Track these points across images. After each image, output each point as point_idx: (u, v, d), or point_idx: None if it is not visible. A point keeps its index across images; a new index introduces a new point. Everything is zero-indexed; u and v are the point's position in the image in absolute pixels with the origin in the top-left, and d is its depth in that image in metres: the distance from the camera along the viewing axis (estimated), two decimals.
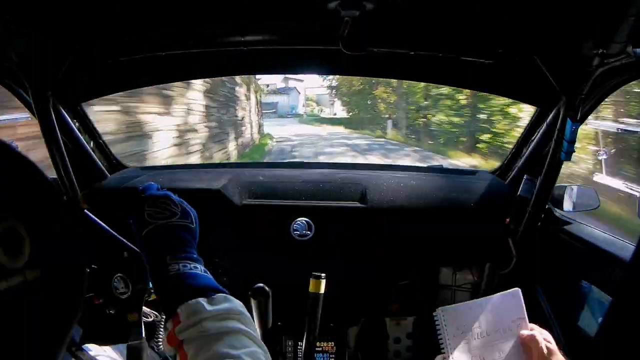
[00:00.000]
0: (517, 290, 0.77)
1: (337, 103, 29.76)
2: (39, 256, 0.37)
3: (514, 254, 1.43)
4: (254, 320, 1.27)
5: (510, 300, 0.77)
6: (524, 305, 0.76)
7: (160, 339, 1.19)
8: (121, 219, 0.84)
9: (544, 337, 0.77)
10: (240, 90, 11.75)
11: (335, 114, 30.64)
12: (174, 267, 0.64)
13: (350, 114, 24.51)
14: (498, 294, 0.77)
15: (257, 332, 0.61)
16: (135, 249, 1.03)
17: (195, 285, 0.62)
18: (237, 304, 0.62)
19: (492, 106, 9.96)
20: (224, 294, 0.62)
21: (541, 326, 0.87)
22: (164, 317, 0.62)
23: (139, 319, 0.92)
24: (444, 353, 0.72)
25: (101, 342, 1.02)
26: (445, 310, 0.73)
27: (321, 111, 33.03)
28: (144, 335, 0.91)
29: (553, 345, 0.76)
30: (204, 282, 0.63)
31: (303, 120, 28.35)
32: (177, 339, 0.58)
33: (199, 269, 0.66)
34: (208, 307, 0.59)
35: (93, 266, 0.93)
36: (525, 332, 0.76)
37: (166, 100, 5.83)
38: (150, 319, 1.15)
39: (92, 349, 1.01)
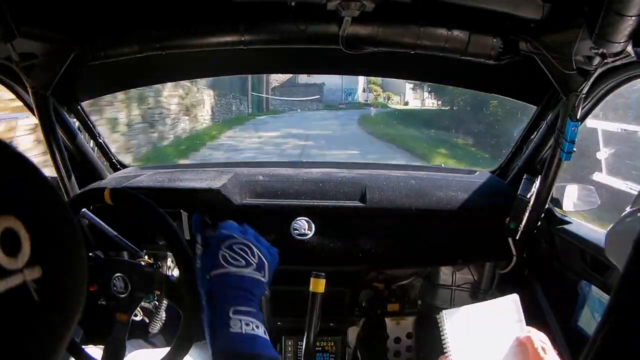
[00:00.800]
0: (515, 295, 0.79)
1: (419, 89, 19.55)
2: (38, 256, 0.37)
3: (514, 254, 1.43)
4: None
5: (509, 304, 0.79)
6: (521, 310, 0.78)
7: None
8: (129, 221, 0.83)
9: (539, 339, 0.78)
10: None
11: (407, 103, 20.81)
12: (236, 323, 0.63)
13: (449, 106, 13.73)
14: (497, 298, 0.79)
15: None
16: (136, 249, 1.03)
17: (254, 351, 0.62)
18: None
19: None
20: None
21: (541, 326, 0.87)
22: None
23: (127, 321, 0.92)
24: (446, 354, 0.74)
25: (86, 331, 1.02)
26: (449, 314, 0.75)
27: (388, 99, 21.09)
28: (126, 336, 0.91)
29: (548, 346, 0.77)
30: (262, 347, 0.63)
31: (369, 119, 14.67)
32: None
33: (260, 330, 0.64)
34: None
35: (98, 254, 0.93)
36: (521, 334, 0.77)
37: None
38: (138, 319, 1.16)
39: (90, 349, 1.02)
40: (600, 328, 0.32)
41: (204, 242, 0.70)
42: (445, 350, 0.74)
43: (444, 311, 0.75)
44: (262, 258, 0.70)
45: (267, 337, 0.65)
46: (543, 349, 0.76)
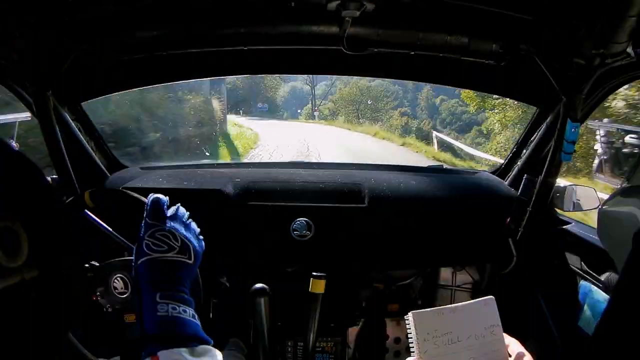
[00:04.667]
0: (491, 298, 0.77)
1: None
2: (37, 256, 0.37)
3: (514, 254, 1.43)
4: (254, 321, 1.27)
5: (484, 307, 0.76)
6: (497, 312, 0.76)
7: None
8: (123, 220, 0.83)
9: (517, 352, 0.75)
10: None
11: None
12: (162, 307, 0.63)
13: None
14: (471, 301, 0.77)
15: None
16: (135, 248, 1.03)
17: (180, 333, 0.62)
18: (218, 358, 0.62)
19: None
20: (207, 346, 0.62)
21: (541, 326, 0.87)
22: (142, 347, 0.62)
23: (136, 321, 0.92)
24: (414, 356, 0.72)
25: (98, 340, 1.01)
26: (417, 315, 0.73)
27: None
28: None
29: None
30: (190, 331, 0.63)
31: None
32: None
33: (188, 313, 0.65)
34: (188, 358, 0.59)
35: (93, 264, 0.93)
36: (495, 341, 0.75)
37: None
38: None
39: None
40: (602, 320, 0.32)
41: (140, 233, 0.72)
42: (412, 353, 0.73)
43: (411, 312, 0.74)
44: (186, 241, 0.72)
45: (196, 320, 0.65)
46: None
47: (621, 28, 0.88)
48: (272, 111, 29.65)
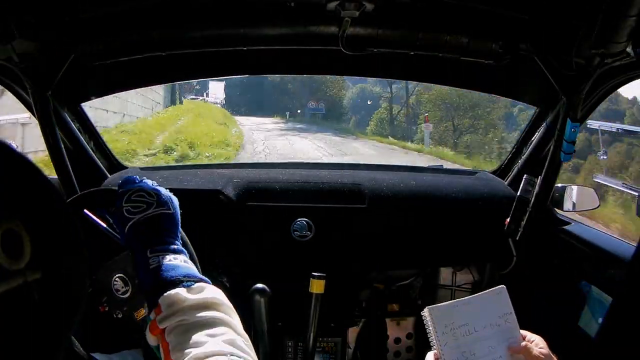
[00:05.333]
0: (503, 287, 0.79)
1: None
2: (39, 257, 0.37)
3: (514, 254, 1.43)
4: (254, 321, 1.27)
5: (496, 297, 0.79)
6: (509, 301, 0.78)
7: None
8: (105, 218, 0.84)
9: (536, 343, 0.78)
10: None
11: None
12: (154, 260, 0.65)
13: None
14: (483, 292, 0.79)
15: (238, 320, 0.62)
16: None
17: (174, 276, 0.63)
18: (217, 293, 0.63)
19: None
20: (203, 283, 0.63)
21: (541, 326, 0.87)
22: (148, 310, 0.63)
23: (147, 314, 0.91)
24: (435, 355, 0.74)
25: (115, 347, 1.01)
26: (433, 310, 0.75)
27: None
28: None
29: (546, 350, 0.76)
30: (184, 272, 0.64)
31: None
32: (159, 329, 0.59)
33: (179, 259, 0.66)
34: (188, 296, 0.60)
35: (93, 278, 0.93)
36: (515, 346, 0.77)
37: None
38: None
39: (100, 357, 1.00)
40: (605, 319, 0.32)
41: (113, 212, 0.74)
42: (433, 348, 0.74)
43: (427, 307, 0.75)
44: (161, 194, 0.73)
45: (190, 265, 0.67)
46: (542, 354, 0.75)
47: (621, 28, 0.88)
48: (331, 116, 19.46)
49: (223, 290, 0.65)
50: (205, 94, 19.98)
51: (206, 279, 0.65)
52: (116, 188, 0.77)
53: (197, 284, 0.62)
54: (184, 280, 0.62)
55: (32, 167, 0.40)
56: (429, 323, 0.75)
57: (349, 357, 1.56)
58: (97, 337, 0.96)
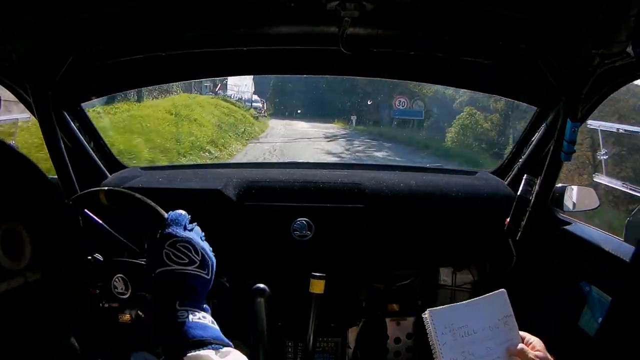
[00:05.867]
0: (503, 291, 0.81)
1: None
2: (40, 257, 0.37)
3: (514, 254, 1.43)
4: (254, 321, 1.27)
5: (496, 300, 0.81)
6: (509, 304, 0.80)
7: None
8: (128, 221, 0.84)
9: (533, 346, 0.78)
10: None
11: None
12: (182, 314, 0.64)
13: None
14: (483, 295, 0.80)
15: None
16: (135, 249, 1.03)
17: (204, 336, 0.62)
18: (242, 359, 0.63)
19: None
20: (231, 349, 0.63)
21: (541, 326, 0.87)
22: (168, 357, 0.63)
23: (130, 322, 0.92)
24: (434, 353, 0.75)
25: (101, 346, 1.01)
26: (433, 312, 0.76)
27: None
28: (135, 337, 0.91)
29: (542, 354, 0.77)
30: (213, 334, 0.64)
31: None
32: None
33: (208, 319, 0.66)
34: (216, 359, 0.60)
35: (97, 257, 0.93)
36: (513, 348, 0.78)
37: None
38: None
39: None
40: (605, 320, 0.32)
41: (150, 241, 0.73)
42: (434, 351, 0.75)
43: (427, 310, 0.76)
44: (206, 256, 0.72)
45: (216, 326, 0.66)
46: (539, 358, 0.76)
47: (621, 28, 0.88)
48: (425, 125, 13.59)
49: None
50: (216, 87, 16.17)
51: (230, 343, 0.65)
52: (165, 215, 0.76)
53: (224, 348, 0.62)
54: (213, 343, 0.62)
55: (32, 168, 0.40)
56: (429, 323, 0.76)
57: (349, 357, 1.56)
58: (85, 328, 0.96)
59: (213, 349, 0.61)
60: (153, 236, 0.72)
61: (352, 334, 1.58)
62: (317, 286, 1.26)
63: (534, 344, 0.79)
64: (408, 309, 1.61)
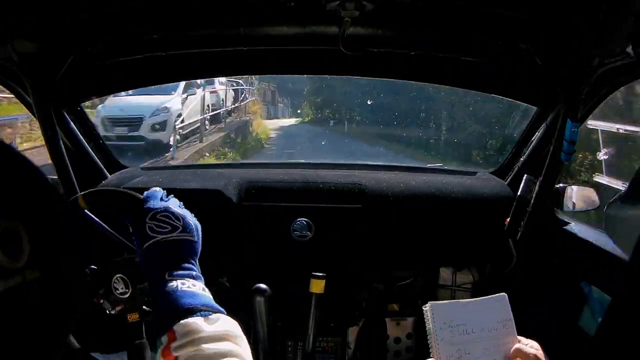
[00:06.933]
0: (504, 295, 0.81)
1: None
2: (38, 256, 0.37)
3: (514, 254, 1.43)
4: (254, 321, 1.27)
5: (497, 303, 0.82)
6: (509, 308, 0.80)
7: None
8: (120, 220, 0.83)
9: (530, 345, 0.79)
10: None
11: None
12: (172, 284, 0.64)
13: None
14: (484, 297, 0.81)
15: (249, 351, 0.62)
16: (135, 248, 1.03)
17: (192, 304, 0.62)
18: (234, 326, 0.63)
19: None
20: (221, 314, 0.63)
21: (540, 326, 0.87)
22: (157, 329, 0.62)
23: (140, 319, 0.92)
24: (431, 348, 0.76)
25: (102, 344, 1.01)
26: (434, 306, 0.77)
27: None
28: (144, 335, 0.90)
29: (540, 353, 0.77)
30: (202, 301, 0.64)
31: None
32: (172, 356, 0.59)
33: (198, 286, 0.66)
34: (204, 327, 0.59)
35: (92, 267, 0.93)
36: (510, 352, 0.78)
37: None
38: (151, 318, 1.14)
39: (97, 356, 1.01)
40: (604, 320, 0.32)
41: (133, 224, 0.73)
42: (430, 345, 0.75)
43: (429, 303, 0.76)
44: (188, 220, 0.72)
45: (207, 293, 0.66)
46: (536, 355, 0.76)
47: (621, 28, 0.88)
48: None
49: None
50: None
51: (222, 309, 0.65)
52: (140, 197, 0.76)
53: (214, 314, 0.62)
54: (202, 310, 0.62)
55: (32, 167, 0.40)
56: (429, 318, 0.76)
57: (349, 357, 1.56)
58: (86, 330, 0.96)
59: (202, 315, 0.61)
60: (135, 219, 0.73)
61: (352, 334, 1.58)
62: (317, 286, 1.26)
63: (530, 344, 0.79)
64: (408, 309, 1.62)
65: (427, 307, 0.77)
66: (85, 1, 1.04)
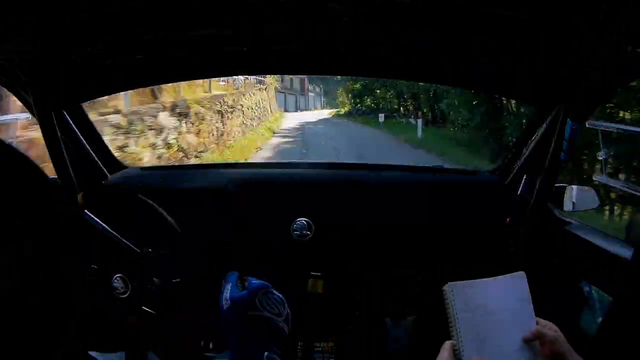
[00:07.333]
0: (522, 272, 0.79)
1: None
2: (39, 257, 0.37)
3: (514, 254, 1.43)
4: None
5: (516, 282, 0.80)
6: (527, 286, 0.79)
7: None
8: (119, 220, 0.83)
9: (549, 327, 0.78)
10: None
11: None
12: None
13: None
14: (504, 275, 0.79)
15: None
16: (135, 248, 1.03)
17: None
18: None
19: None
20: None
21: None
22: None
23: (138, 321, 0.92)
24: (451, 329, 0.74)
25: (101, 344, 1.01)
26: (454, 287, 0.75)
27: None
28: (144, 335, 0.91)
29: (560, 334, 0.76)
30: None
31: None
32: None
33: None
34: None
35: (93, 267, 0.93)
36: (529, 335, 0.77)
37: None
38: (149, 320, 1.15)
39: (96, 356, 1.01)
40: (604, 324, 0.32)
41: (242, 285, 0.75)
42: (451, 327, 0.74)
43: (449, 283, 0.75)
44: (289, 314, 0.76)
45: None
46: (556, 339, 0.75)
47: (621, 28, 0.88)
48: None
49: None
50: None
51: None
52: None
53: None
54: None
55: (32, 167, 0.40)
56: (449, 299, 0.75)
57: (349, 357, 1.56)
58: (86, 332, 0.96)
59: None
60: (242, 281, 0.76)
61: (352, 334, 1.58)
62: (317, 286, 1.26)
63: (549, 326, 0.78)
64: (408, 308, 1.62)
65: (447, 288, 0.76)
66: (85, 1, 1.04)
